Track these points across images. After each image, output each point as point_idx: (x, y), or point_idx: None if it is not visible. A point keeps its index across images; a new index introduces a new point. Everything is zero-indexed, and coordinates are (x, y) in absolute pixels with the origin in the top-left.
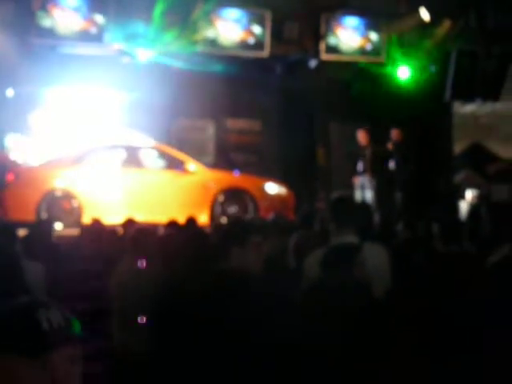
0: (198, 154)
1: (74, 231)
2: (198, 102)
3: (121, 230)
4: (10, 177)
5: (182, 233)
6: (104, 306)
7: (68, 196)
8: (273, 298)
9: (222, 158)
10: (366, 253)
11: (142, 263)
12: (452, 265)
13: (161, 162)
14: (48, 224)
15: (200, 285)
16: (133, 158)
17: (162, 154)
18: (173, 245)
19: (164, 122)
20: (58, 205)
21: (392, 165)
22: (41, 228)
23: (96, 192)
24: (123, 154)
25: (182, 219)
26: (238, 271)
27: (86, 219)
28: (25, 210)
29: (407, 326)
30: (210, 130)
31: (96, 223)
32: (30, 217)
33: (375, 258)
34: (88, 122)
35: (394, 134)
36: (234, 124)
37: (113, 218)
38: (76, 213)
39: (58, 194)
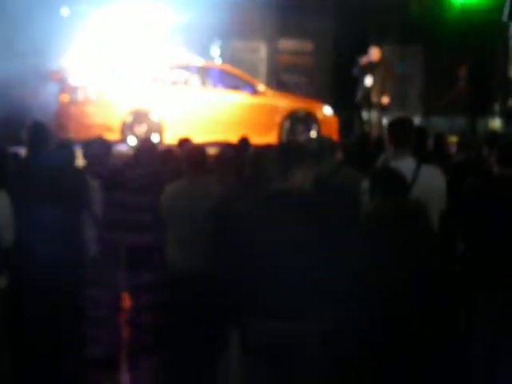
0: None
1: (131, 150)
2: (249, 23)
3: (177, 150)
4: (64, 96)
5: (237, 152)
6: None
7: (145, 115)
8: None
9: (274, 80)
10: (423, 175)
11: None
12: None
13: (230, 83)
14: (105, 143)
15: (253, 203)
16: (203, 79)
17: (231, 75)
18: (228, 163)
19: (216, 43)
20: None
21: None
22: (98, 146)
23: (172, 112)
24: (195, 74)
25: (252, 139)
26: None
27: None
28: (107, 128)
29: None
30: (262, 51)
31: (149, 143)
32: (115, 135)
33: (432, 180)
34: (141, 43)
35: (374, 52)
36: (285, 45)
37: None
38: (151, 132)
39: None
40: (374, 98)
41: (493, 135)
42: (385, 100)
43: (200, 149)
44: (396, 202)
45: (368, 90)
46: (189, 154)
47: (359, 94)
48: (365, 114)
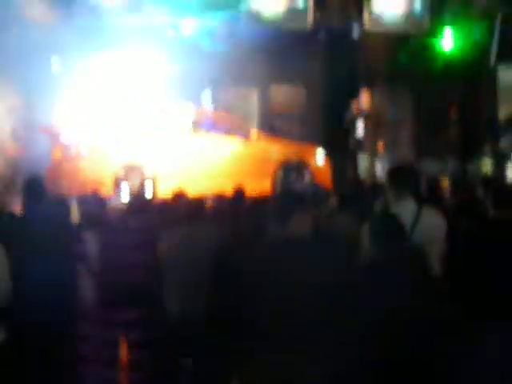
0: None
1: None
2: (241, 71)
3: (171, 202)
4: (56, 152)
5: (232, 204)
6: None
7: (137, 168)
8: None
9: (266, 126)
10: (425, 216)
11: None
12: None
13: (223, 130)
14: (100, 198)
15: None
16: (196, 127)
17: (224, 122)
18: (225, 214)
19: (208, 90)
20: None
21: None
22: (94, 201)
23: (165, 163)
24: (187, 123)
25: (246, 188)
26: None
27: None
28: (99, 183)
29: None
30: (254, 97)
31: (140, 197)
32: (109, 190)
33: (434, 221)
34: (135, 94)
35: (364, 100)
36: (277, 91)
37: (190, 188)
38: (144, 185)
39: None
40: (367, 145)
41: (487, 177)
42: (379, 148)
43: (195, 201)
44: (395, 247)
45: (360, 138)
46: (185, 206)
47: (352, 142)
48: (358, 160)
